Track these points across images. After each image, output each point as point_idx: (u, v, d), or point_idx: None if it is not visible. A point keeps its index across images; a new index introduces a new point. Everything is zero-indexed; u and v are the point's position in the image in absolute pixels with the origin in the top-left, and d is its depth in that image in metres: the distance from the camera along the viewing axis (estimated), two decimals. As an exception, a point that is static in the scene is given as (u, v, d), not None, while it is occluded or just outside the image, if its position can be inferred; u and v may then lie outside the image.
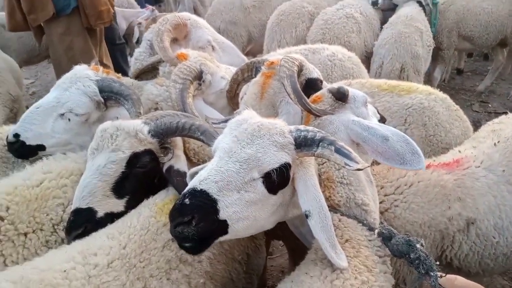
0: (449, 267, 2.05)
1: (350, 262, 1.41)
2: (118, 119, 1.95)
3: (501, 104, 6.22)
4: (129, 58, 7.32)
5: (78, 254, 1.43)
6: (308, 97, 1.85)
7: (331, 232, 1.39)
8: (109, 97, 2.18)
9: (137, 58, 2.83)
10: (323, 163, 1.68)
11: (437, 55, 5.62)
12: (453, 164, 2.09)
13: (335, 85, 1.85)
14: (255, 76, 2.18)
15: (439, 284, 1.34)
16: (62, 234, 1.77)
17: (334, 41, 4.53)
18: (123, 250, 1.48)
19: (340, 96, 1.77)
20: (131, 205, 1.78)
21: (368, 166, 1.58)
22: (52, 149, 2.17)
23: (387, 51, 4.44)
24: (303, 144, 1.42)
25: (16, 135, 2.10)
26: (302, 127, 1.48)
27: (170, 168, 1.82)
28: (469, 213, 1.94)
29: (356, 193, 1.63)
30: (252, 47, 6.08)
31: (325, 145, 1.38)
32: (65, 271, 1.35)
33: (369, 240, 1.53)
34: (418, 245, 1.42)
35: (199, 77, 2.35)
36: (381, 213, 1.89)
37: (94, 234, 1.60)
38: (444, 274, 1.37)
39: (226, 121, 2.01)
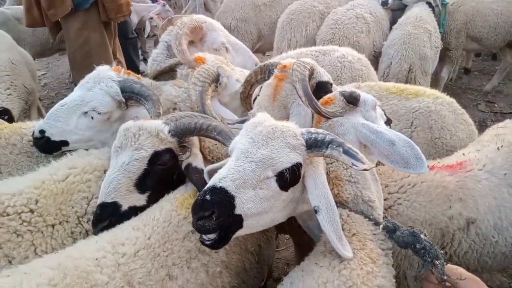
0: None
1: (357, 254, 1.48)
2: (138, 118, 2.02)
3: (507, 104, 6.18)
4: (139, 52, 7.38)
5: (107, 244, 1.51)
6: (319, 99, 1.89)
7: (338, 225, 1.47)
8: (130, 97, 2.24)
9: (155, 59, 2.85)
10: (332, 162, 1.75)
11: (444, 55, 5.59)
12: (456, 166, 2.11)
13: (347, 89, 1.88)
14: (268, 78, 2.21)
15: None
16: (86, 225, 1.86)
17: (343, 41, 4.55)
18: (148, 241, 1.57)
19: (352, 100, 1.81)
20: (152, 199, 1.87)
21: (374, 167, 1.65)
22: (75, 145, 2.24)
23: (396, 52, 4.44)
24: (313, 145, 1.49)
25: (42, 131, 2.17)
26: (313, 129, 1.55)
27: (189, 165, 1.90)
28: (470, 213, 1.96)
29: (363, 191, 1.69)
30: (262, 44, 6.09)
31: (334, 146, 1.45)
32: (97, 259, 1.44)
33: (374, 234, 1.60)
34: (422, 236, 1.45)
35: (216, 79, 2.41)
36: (385, 210, 1.92)
37: (120, 226, 1.68)
38: (447, 263, 1.43)
39: (241, 122, 2.10)
